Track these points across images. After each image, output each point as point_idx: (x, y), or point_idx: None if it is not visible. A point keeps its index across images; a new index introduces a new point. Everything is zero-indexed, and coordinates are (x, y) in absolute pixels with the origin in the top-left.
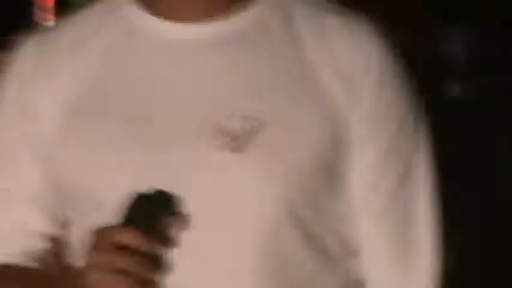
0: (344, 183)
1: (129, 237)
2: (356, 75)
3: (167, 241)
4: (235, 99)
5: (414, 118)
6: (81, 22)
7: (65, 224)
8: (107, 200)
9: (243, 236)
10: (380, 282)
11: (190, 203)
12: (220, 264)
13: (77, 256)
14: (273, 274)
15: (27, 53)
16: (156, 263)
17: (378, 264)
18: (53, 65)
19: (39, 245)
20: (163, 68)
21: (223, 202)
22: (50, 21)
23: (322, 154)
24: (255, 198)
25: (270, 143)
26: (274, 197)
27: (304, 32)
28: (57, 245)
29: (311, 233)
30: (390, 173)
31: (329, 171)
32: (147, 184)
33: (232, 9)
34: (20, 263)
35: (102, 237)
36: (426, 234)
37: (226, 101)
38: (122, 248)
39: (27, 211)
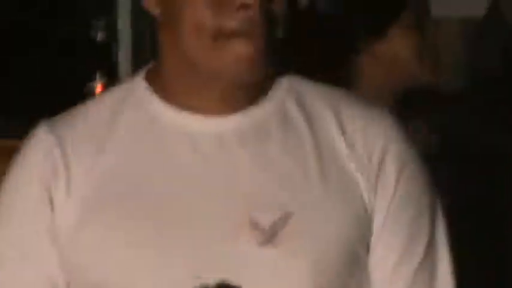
0: (367, 269)
1: None
2: (379, 163)
3: None
4: (262, 193)
5: (431, 203)
6: (96, 113)
7: None
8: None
9: None
10: None
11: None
12: None
13: None
14: None
15: (45, 149)
16: None
17: None
18: (70, 160)
19: None
20: (187, 162)
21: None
22: None
23: (349, 243)
24: (283, 281)
25: (300, 235)
26: (302, 275)
27: (323, 121)
28: None
29: None
30: (410, 259)
31: (355, 258)
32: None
33: (251, 99)
34: None
35: None
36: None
37: (255, 195)
38: None
39: None
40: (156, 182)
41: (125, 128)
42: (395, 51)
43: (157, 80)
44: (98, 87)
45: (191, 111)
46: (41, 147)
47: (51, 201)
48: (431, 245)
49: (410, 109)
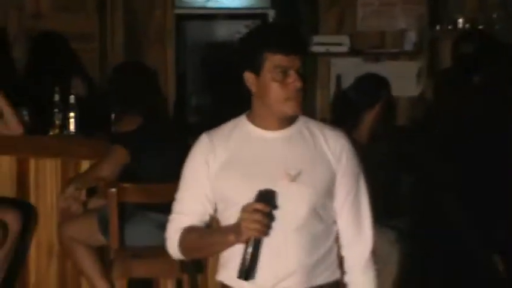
0: (333, 196)
1: (261, 206)
2: (339, 155)
3: (272, 211)
4: (291, 163)
5: (359, 172)
6: (223, 131)
7: (216, 211)
8: (239, 203)
9: (296, 222)
10: (345, 238)
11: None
12: (278, 235)
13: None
14: (305, 238)
15: (206, 141)
16: (269, 219)
17: (345, 229)
18: (215, 147)
19: (208, 219)
20: (262, 150)
21: (290, 205)
22: None
23: (327, 185)
24: (298, 202)
25: (306, 179)
26: (306, 202)
27: (317, 136)
28: (212, 221)
29: (321, 218)
30: (351, 193)
31: (329, 192)
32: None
33: (287, 125)
34: (198, 226)
35: (248, 206)
36: (367, 219)
37: (288, 163)
38: (256, 210)
39: (205, 203)
40: (249, 158)
41: (235, 137)
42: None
43: (251, 116)
44: None
45: (265, 129)
46: (203, 142)
47: (207, 163)
48: (359, 189)
49: None
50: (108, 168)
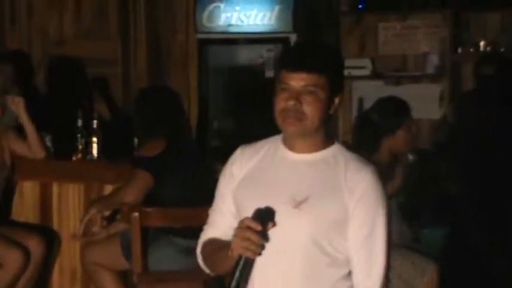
0: (345, 231)
1: (252, 223)
2: (354, 189)
3: (268, 229)
4: (301, 189)
5: (378, 212)
6: (256, 145)
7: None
8: (249, 212)
9: (295, 250)
10: (354, 279)
11: (276, 227)
12: (281, 265)
13: None
14: (309, 271)
15: (238, 152)
16: (262, 239)
17: (354, 270)
18: (243, 159)
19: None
20: (279, 171)
21: (288, 231)
22: None
23: (333, 218)
24: (296, 230)
25: (309, 208)
26: (304, 231)
27: (340, 166)
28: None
29: (326, 251)
30: (362, 231)
31: (337, 225)
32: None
33: (315, 150)
34: (221, 239)
35: (242, 222)
36: (378, 265)
37: (298, 189)
38: (248, 228)
39: (228, 216)
40: (264, 176)
41: (264, 153)
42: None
43: (283, 137)
44: None
45: (291, 150)
46: (236, 153)
47: (233, 174)
48: (372, 231)
49: None
50: (132, 193)
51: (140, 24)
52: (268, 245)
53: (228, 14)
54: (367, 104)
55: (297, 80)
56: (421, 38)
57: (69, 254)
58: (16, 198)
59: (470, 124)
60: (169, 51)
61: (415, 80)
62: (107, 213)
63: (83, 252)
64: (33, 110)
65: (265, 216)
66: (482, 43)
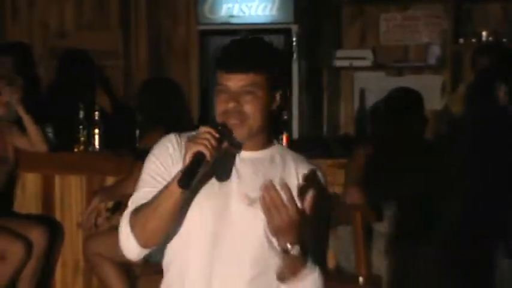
0: None
1: (211, 130)
2: (305, 189)
3: (223, 141)
4: (253, 186)
5: (324, 216)
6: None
7: None
8: (190, 218)
9: (249, 247)
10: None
11: (229, 222)
12: (232, 259)
13: None
14: (253, 270)
15: (174, 140)
16: (217, 144)
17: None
18: (180, 150)
19: None
20: (229, 167)
21: (244, 228)
22: None
23: None
24: (251, 228)
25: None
26: (259, 229)
27: (289, 165)
28: None
29: (276, 249)
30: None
31: None
32: (217, 209)
33: (262, 147)
34: None
35: (200, 129)
36: (324, 255)
37: (250, 186)
38: (206, 132)
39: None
40: (218, 173)
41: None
42: None
43: None
44: None
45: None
46: (172, 140)
47: (171, 161)
48: (316, 235)
49: None
50: (134, 186)
51: (141, 16)
52: (221, 242)
53: (229, 5)
54: (369, 95)
55: (235, 81)
56: (422, 29)
57: (71, 246)
58: (18, 190)
59: (470, 116)
60: (171, 43)
61: (417, 70)
62: (109, 204)
63: (85, 243)
64: (35, 102)
65: (222, 132)
66: (484, 33)
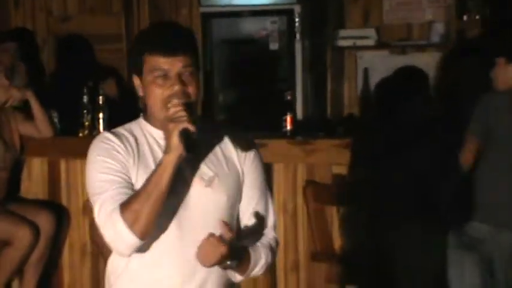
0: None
1: (180, 105)
2: (244, 158)
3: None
4: (203, 167)
5: (264, 175)
6: (125, 134)
7: None
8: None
9: (210, 226)
10: (250, 223)
11: (191, 205)
12: (200, 230)
13: None
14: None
15: (112, 137)
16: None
17: (250, 218)
18: (126, 145)
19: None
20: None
21: (205, 209)
22: None
23: (238, 186)
24: (218, 207)
25: (220, 184)
26: (223, 207)
27: (223, 139)
28: None
29: (234, 214)
30: (256, 196)
31: (240, 191)
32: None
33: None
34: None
35: (171, 104)
36: (271, 214)
37: (205, 167)
38: (174, 106)
39: (127, 177)
40: (147, 155)
41: (143, 139)
42: None
43: (151, 121)
44: None
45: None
46: (110, 138)
47: (123, 156)
48: (264, 194)
49: None
50: None
51: None
52: (183, 224)
53: None
54: (373, 74)
55: (175, 63)
56: (425, 6)
57: (78, 229)
58: (24, 176)
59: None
60: None
61: (421, 48)
62: None
63: (92, 227)
64: (39, 88)
65: (189, 107)
66: (487, 10)
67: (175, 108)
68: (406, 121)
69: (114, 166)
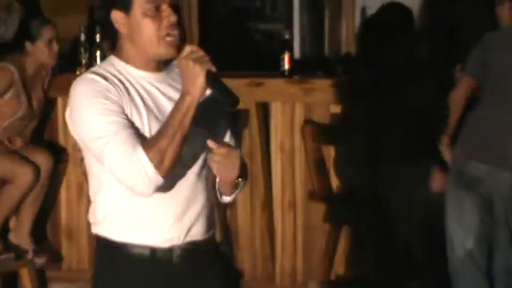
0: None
1: (194, 47)
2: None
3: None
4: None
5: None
6: (107, 77)
7: None
8: None
9: (195, 163)
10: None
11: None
12: (183, 182)
13: None
14: (205, 183)
15: (101, 80)
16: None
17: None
18: (116, 89)
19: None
20: (153, 92)
21: (189, 148)
22: None
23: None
24: (199, 146)
25: (199, 123)
26: (205, 146)
27: (177, 79)
28: None
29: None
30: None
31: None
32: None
33: (162, 69)
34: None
35: (187, 49)
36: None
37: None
38: (194, 51)
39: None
40: (160, 103)
41: (125, 82)
42: None
43: (125, 59)
44: None
45: (145, 70)
46: (100, 81)
47: (116, 99)
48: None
49: None
50: None
51: None
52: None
53: None
54: (370, 13)
55: None
56: None
57: (75, 169)
58: None
59: None
60: None
61: None
62: None
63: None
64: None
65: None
66: None
67: (193, 49)
68: (395, 60)
69: (112, 107)
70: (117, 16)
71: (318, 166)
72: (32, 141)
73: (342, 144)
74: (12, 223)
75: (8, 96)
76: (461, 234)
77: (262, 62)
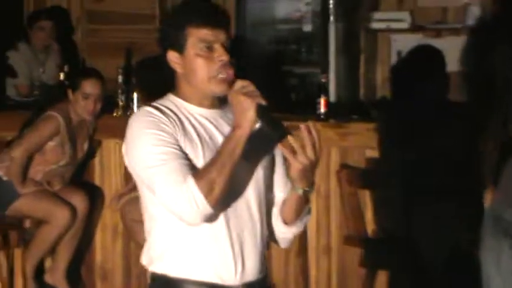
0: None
1: (244, 82)
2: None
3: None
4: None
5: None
6: (163, 110)
7: None
8: None
9: (249, 201)
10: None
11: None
12: (239, 222)
13: None
14: (260, 223)
15: (156, 113)
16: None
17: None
18: (172, 121)
19: None
20: (210, 128)
21: (245, 184)
22: None
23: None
24: (253, 182)
25: (253, 159)
26: (261, 181)
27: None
28: None
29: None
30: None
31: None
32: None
33: (218, 106)
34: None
35: (237, 85)
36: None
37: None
38: (244, 86)
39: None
40: (214, 137)
41: (180, 114)
42: None
43: (182, 97)
44: None
45: (204, 107)
46: (155, 113)
47: (171, 131)
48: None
49: None
50: None
51: None
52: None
53: None
54: None
55: (219, 35)
56: None
57: (111, 210)
58: None
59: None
60: None
61: (455, 32)
62: None
63: (122, 209)
64: (73, 66)
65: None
66: None
67: (244, 83)
68: (428, 101)
69: (167, 138)
70: (172, 56)
71: (354, 210)
72: (69, 183)
73: (378, 187)
74: (47, 264)
75: (52, 144)
76: (500, 280)
77: (296, 105)
